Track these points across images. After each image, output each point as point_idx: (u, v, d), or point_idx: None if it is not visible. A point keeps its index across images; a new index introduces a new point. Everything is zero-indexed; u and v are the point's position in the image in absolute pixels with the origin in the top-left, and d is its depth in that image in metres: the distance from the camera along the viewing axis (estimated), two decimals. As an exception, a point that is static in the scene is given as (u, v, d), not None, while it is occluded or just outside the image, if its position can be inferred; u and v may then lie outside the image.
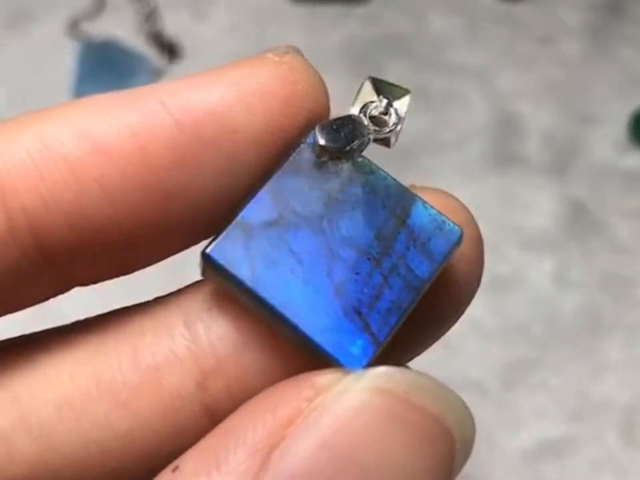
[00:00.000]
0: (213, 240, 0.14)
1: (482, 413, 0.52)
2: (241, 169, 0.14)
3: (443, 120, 0.64)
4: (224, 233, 0.14)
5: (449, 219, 0.15)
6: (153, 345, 0.14)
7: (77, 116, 0.13)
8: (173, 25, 0.69)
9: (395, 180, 0.15)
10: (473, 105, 0.65)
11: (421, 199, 0.15)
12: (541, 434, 0.53)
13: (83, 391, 0.14)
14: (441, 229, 0.15)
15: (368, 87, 0.16)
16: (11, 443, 0.14)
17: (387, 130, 0.16)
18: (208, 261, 0.14)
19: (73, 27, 0.68)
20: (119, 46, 0.66)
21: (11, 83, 0.65)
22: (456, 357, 0.54)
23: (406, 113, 0.16)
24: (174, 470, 0.12)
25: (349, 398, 0.12)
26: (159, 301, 0.15)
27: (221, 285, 0.14)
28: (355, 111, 0.16)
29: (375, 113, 0.16)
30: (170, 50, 0.67)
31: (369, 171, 0.15)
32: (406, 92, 0.16)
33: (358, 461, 0.12)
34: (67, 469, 0.14)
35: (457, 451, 0.13)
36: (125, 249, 0.14)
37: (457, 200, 0.15)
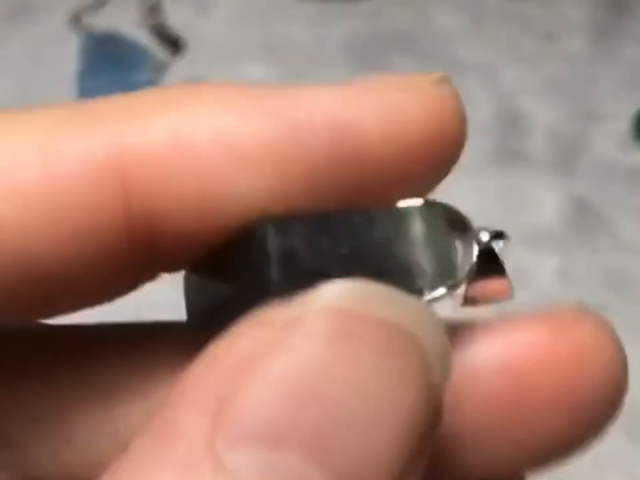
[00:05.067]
0: None
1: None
2: (361, 194, 0.13)
3: (447, 116, 0.64)
4: None
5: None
6: None
7: (214, 111, 0.13)
8: (177, 18, 0.68)
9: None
10: (478, 102, 0.65)
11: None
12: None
13: None
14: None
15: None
16: (95, 448, 0.14)
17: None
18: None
19: (76, 19, 0.67)
20: (121, 39, 0.66)
21: (13, 75, 0.65)
22: (459, 353, 0.54)
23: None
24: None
25: (297, 328, 0.11)
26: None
27: None
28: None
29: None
30: (173, 43, 0.67)
31: None
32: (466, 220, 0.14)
33: (318, 395, 0.11)
34: None
35: (432, 362, 0.11)
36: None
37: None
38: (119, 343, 0.15)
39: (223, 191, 0.13)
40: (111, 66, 0.64)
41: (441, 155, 0.13)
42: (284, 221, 0.13)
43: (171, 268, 0.14)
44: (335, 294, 0.11)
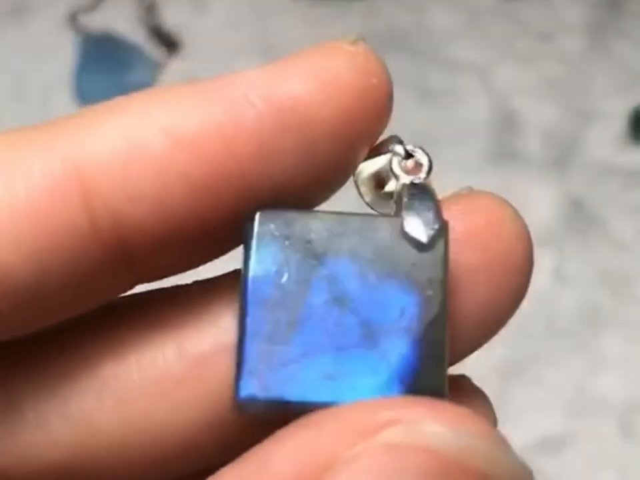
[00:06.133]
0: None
1: (480, 409, 0.52)
2: (316, 160, 0.14)
3: (443, 116, 0.64)
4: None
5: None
6: (198, 335, 0.14)
7: (159, 111, 0.13)
8: (173, 18, 0.68)
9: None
10: (473, 101, 0.65)
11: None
12: (540, 429, 0.53)
13: (125, 379, 0.14)
14: None
15: (367, 167, 0.15)
16: (48, 428, 0.14)
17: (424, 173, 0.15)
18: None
19: (72, 19, 0.67)
20: (118, 39, 0.66)
21: (10, 75, 0.65)
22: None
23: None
24: None
25: (396, 456, 0.11)
26: (200, 287, 0.15)
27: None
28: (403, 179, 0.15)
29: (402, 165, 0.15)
30: (169, 43, 0.67)
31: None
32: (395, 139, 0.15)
33: None
34: (109, 456, 0.14)
35: None
36: (202, 242, 0.14)
37: None
38: (61, 332, 0.15)
39: (181, 184, 0.13)
40: (107, 66, 0.64)
41: (374, 103, 0.14)
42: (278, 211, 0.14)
43: (146, 277, 0.14)
44: (439, 434, 0.12)
